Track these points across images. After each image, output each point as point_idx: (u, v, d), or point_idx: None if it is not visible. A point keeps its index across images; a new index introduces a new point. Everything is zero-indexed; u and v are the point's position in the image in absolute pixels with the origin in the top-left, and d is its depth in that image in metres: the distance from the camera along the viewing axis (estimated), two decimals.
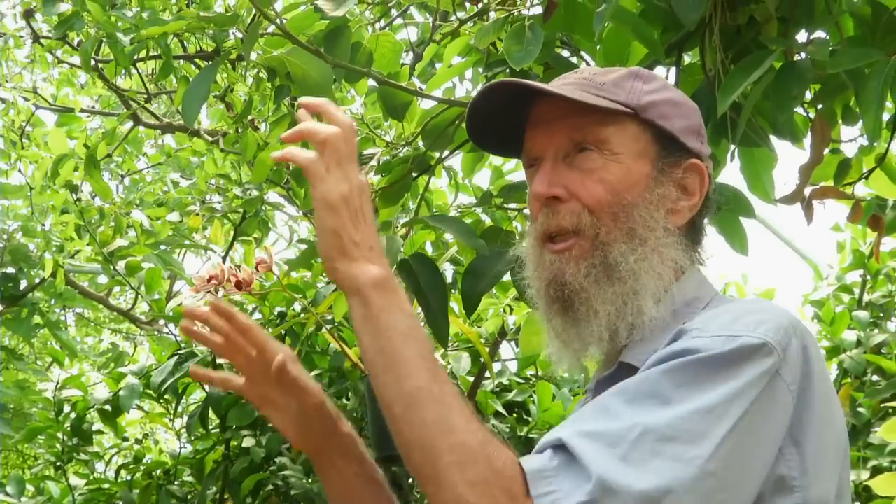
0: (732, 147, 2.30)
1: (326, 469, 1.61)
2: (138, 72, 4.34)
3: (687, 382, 1.26)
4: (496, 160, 4.22)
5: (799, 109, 2.41)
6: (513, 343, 4.16)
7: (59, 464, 4.19)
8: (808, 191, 2.43)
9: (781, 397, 1.29)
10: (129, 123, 4.47)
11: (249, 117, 3.36)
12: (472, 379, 4.18)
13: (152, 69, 4.54)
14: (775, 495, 1.30)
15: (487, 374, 4.24)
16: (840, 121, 2.43)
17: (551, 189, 1.46)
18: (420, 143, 2.62)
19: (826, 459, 1.33)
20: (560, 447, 1.25)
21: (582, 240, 1.45)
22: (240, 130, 3.39)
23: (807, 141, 2.38)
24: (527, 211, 1.55)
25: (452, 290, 3.83)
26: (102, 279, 5.06)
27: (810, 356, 1.33)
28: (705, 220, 1.55)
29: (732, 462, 1.24)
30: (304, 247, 4.28)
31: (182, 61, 3.87)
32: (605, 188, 1.46)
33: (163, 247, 4.39)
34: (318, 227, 1.32)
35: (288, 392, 1.56)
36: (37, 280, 4.23)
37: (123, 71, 3.99)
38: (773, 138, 2.35)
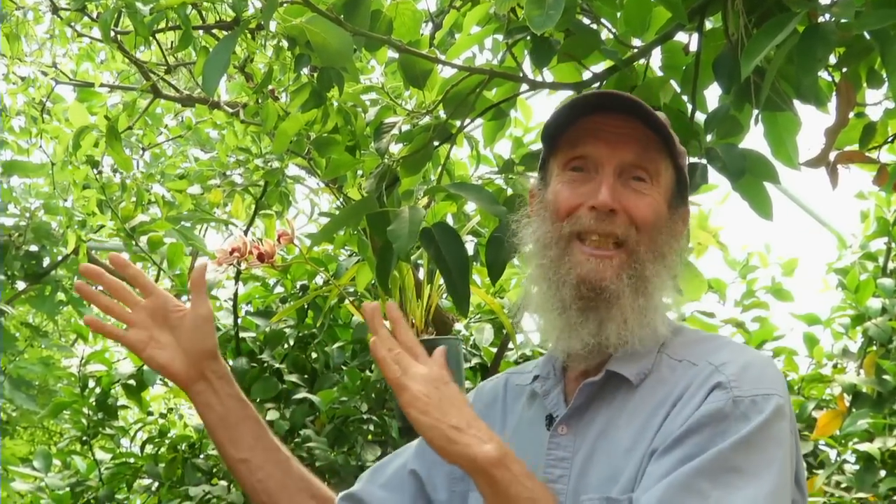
0: (756, 112, 2.29)
1: (206, 395, 1.76)
2: (157, 43, 4.33)
3: (753, 450, 1.47)
4: (517, 130, 4.20)
5: (823, 73, 2.39)
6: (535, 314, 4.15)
7: (84, 439, 4.22)
8: (832, 155, 2.42)
9: (793, 444, 1.54)
10: (149, 97, 4.45)
11: (269, 87, 3.36)
12: (495, 350, 4.19)
13: (171, 41, 4.52)
14: None
15: (511, 345, 4.24)
16: (865, 84, 2.41)
17: (614, 202, 1.61)
18: (441, 111, 2.61)
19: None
20: None
21: (623, 253, 1.62)
22: (260, 101, 3.38)
23: (831, 105, 2.36)
24: (549, 195, 1.70)
25: (474, 262, 3.82)
26: (124, 256, 5.07)
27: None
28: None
29: None
30: (325, 220, 4.28)
31: (201, 32, 3.86)
32: (651, 212, 1.64)
33: (184, 223, 4.40)
34: (418, 428, 1.49)
35: (184, 319, 1.73)
36: (59, 258, 4.24)
37: (143, 43, 3.98)
38: (796, 103, 2.33)
